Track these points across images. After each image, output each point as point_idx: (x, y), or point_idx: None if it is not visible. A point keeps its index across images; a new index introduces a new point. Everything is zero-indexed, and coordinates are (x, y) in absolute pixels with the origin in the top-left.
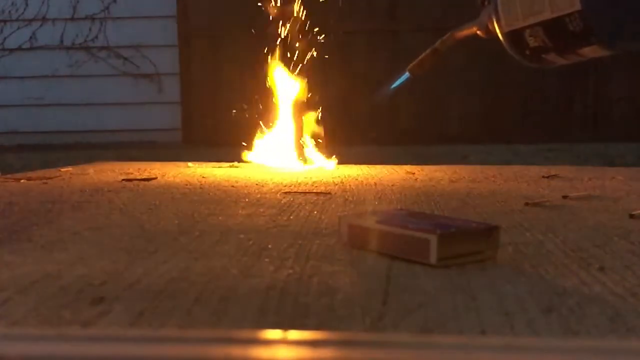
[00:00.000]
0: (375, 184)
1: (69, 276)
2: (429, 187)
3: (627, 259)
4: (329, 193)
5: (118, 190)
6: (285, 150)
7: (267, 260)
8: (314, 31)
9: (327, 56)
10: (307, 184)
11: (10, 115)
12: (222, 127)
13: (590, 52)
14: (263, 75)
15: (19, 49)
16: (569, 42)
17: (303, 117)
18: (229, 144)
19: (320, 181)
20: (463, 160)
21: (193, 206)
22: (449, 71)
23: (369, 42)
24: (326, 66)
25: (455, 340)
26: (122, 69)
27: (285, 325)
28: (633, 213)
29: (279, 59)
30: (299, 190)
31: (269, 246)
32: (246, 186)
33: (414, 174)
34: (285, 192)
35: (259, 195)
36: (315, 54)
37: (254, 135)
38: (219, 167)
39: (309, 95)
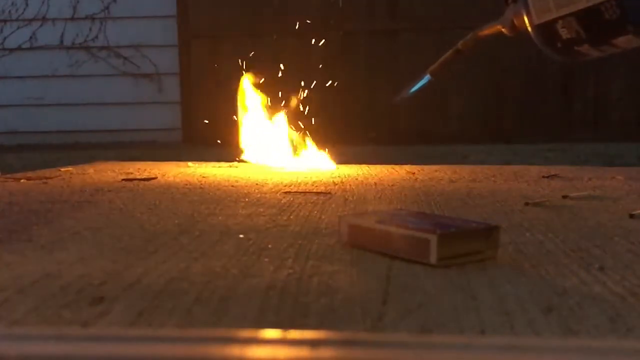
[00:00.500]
0: (375, 184)
1: (69, 276)
2: (429, 187)
3: (627, 259)
4: (329, 193)
5: (118, 190)
6: (285, 150)
7: (267, 260)
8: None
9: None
10: (307, 183)
11: (10, 115)
12: (222, 127)
13: (625, 42)
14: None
15: (19, 48)
16: (604, 32)
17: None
18: (229, 144)
19: (320, 181)
20: (463, 160)
21: (193, 206)
22: (449, 70)
23: (369, 42)
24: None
25: (455, 340)
26: (122, 68)
27: (285, 325)
28: (633, 213)
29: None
30: (299, 190)
31: (269, 246)
32: (246, 186)
33: (414, 173)
34: (285, 192)
35: (258, 195)
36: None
37: (253, 135)
38: (218, 167)
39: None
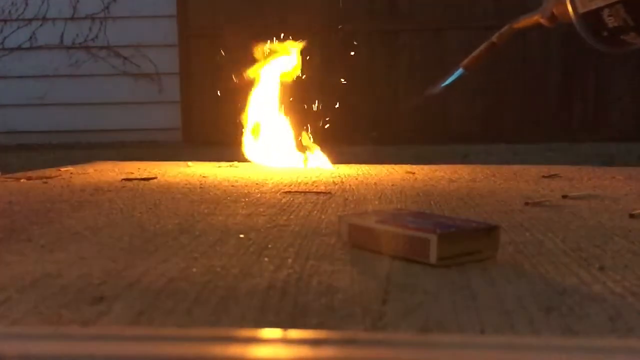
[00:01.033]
0: (375, 183)
1: (69, 275)
2: (429, 187)
3: (627, 259)
4: (329, 193)
5: (118, 190)
6: (285, 150)
7: (267, 259)
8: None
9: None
10: (307, 183)
11: (10, 115)
12: (222, 127)
13: None
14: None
15: (19, 48)
16: None
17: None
18: (229, 143)
19: (320, 181)
20: (463, 159)
21: (193, 206)
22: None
23: (369, 42)
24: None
25: (455, 340)
26: (122, 68)
27: (285, 325)
28: (633, 213)
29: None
30: (299, 190)
31: (269, 246)
32: (246, 186)
33: (414, 173)
34: (285, 192)
35: (258, 195)
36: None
37: (253, 134)
38: (218, 167)
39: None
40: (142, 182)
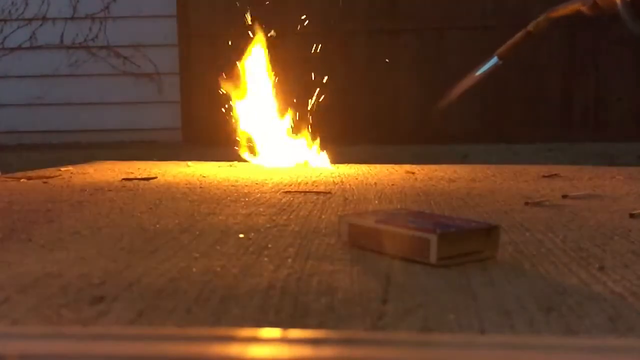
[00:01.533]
0: (375, 183)
1: (69, 275)
2: (429, 187)
3: (627, 259)
4: (329, 192)
5: (118, 190)
6: (285, 150)
7: (267, 259)
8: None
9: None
10: (307, 183)
11: (10, 115)
12: (222, 127)
13: None
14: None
15: (19, 48)
16: None
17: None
18: (229, 144)
19: (320, 180)
20: (463, 159)
21: (193, 205)
22: (449, 71)
23: (369, 42)
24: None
25: (455, 340)
26: (122, 68)
27: (285, 325)
28: (633, 212)
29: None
30: (299, 190)
31: (269, 245)
32: (246, 185)
33: (413, 173)
34: (285, 192)
35: (258, 195)
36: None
37: (253, 134)
38: (218, 166)
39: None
40: (142, 182)
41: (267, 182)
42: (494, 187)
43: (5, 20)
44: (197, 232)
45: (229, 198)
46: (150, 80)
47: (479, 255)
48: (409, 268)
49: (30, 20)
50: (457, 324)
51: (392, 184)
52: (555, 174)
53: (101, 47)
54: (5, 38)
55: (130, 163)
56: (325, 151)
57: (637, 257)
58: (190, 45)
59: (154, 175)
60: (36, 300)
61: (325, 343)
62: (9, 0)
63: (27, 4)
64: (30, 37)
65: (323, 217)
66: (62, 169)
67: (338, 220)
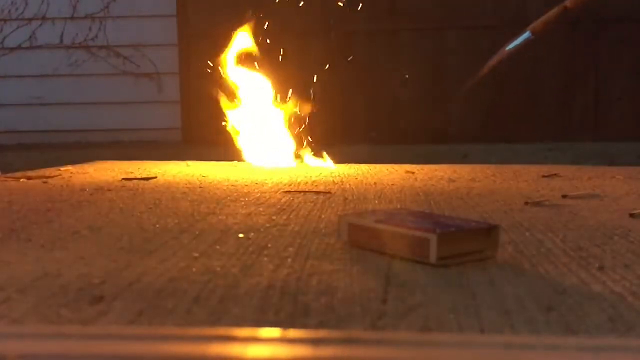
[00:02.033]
0: (375, 183)
1: (69, 275)
2: (429, 187)
3: (627, 259)
4: (329, 192)
5: (118, 190)
6: (285, 150)
7: (266, 259)
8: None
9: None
10: (307, 183)
11: (10, 115)
12: (222, 127)
13: None
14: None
15: (19, 48)
16: None
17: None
18: (228, 144)
19: (320, 180)
20: (463, 159)
21: (193, 205)
22: (449, 70)
23: (369, 42)
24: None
25: (455, 340)
26: (122, 68)
27: (285, 325)
28: (633, 212)
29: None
30: (299, 190)
31: (269, 245)
32: (246, 185)
33: (413, 173)
34: (286, 192)
35: (258, 195)
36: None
37: (253, 134)
38: (218, 167)
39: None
40: (142, 182)
41: (267, 182)
42: (494, 187)
43: (5, 20)
44: (197, 232)
45: (229, 198)
46: (150, 80)
47: (479, 255)
48: (409, 268)
49: (30, 20)
50: (457, 324)
51: (392, 184)
52: (555, 174)
53: (101, 47)
54: (5, 38)
55: (130, 163)
56: (325, 151)
57: (637, 257)
58: (190, 45)
59: (154, 175)
60: (36, 300)
61: (325, 343)
62: (9, 0)
63: (27, 4)
64: (30, 37)
65: (323, 217)
66: (62, 169)
67: (338, 220)
